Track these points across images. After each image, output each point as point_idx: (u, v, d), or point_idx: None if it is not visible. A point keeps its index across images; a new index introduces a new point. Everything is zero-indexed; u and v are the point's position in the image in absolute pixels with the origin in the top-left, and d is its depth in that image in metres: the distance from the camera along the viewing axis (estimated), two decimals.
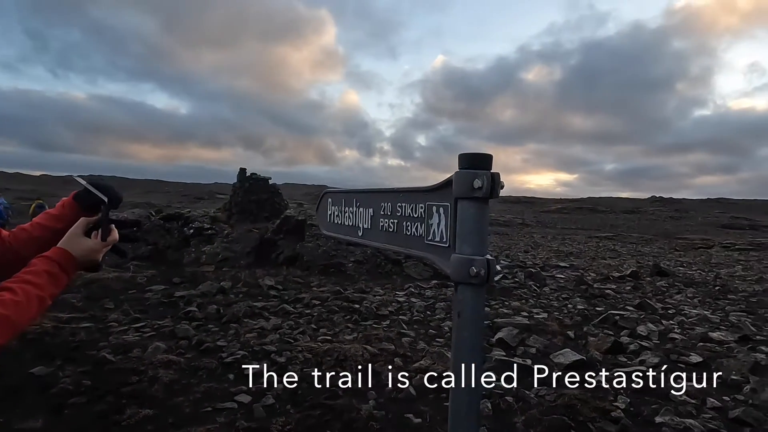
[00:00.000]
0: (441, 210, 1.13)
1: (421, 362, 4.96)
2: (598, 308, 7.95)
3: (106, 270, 9.38)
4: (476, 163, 1.01)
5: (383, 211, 1.40)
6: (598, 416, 3.87)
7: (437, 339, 5.95)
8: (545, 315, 7.22)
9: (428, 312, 7.35)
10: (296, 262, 10.88)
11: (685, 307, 8.40)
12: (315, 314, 6.87)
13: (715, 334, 6.32)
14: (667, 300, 9.09)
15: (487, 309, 7.48)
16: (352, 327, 6.32)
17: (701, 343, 6.01)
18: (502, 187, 1.00)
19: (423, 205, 1.21)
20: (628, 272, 12.06)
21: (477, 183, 0.99)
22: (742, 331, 6.63)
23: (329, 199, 1.84)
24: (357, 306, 7.38)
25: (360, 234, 1.56)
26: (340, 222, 1.72)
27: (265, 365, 4.81)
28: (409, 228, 1.27)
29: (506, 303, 8.01)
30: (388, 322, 6.66)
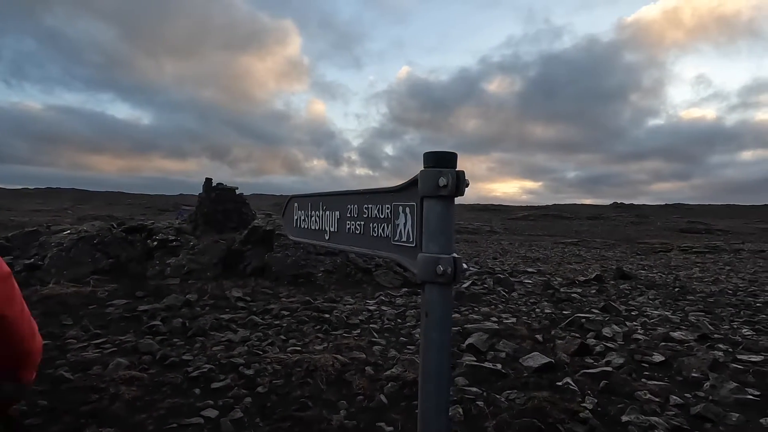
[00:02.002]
0: (407, 210, 1.12)
1: (393, 370, 4.93)
2: (564, 312, 8.10)
3: (64, 285, 9.01)
4: (441, 161, 1.01)
5: (350, 213, 1.39)
6: (566, 417, 3.92)
7: (408, 346, 5.93)
8: (514, 320, 7.31)
9: (399, 320, 7.33)
10: (264, 273, 10.70)
11: (648, 308, 8.66)
12: (284, 325, 6.76)
13: (676, 334, 6.53)
14: (630, 302, 9.34)
15: (457, 315, 7.52)
16: (323, 337, 6.24)
17: (663, 343, 6.19)
18: (467, 185, 1.00)
19: (389, 206, 1.20)
20: (593, 276, 12.36)
21: (442, 181, 0.99)
22: (701, 330, 6.87)
23: (295, 204, 1.81)
24: (327, 316, 7.30)
25: (327, 237, 1.54)
26: (306, 226, 1.69)
27: (231, 379, 4.70)
28: (375, 229, 1.26)
29: (476, 309, 8.08)
30: (358, 330, 6.61)
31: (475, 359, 5.39)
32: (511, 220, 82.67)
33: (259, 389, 4.45)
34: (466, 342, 5.90)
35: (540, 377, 4.84)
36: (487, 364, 5.16)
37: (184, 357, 5.28)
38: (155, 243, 11.08)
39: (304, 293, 9.32)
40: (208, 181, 12.27)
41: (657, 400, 4.34)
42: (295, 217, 1.80)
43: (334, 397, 4.31)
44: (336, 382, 4.64)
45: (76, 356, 5.19)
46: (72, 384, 4.39)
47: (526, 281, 11.78)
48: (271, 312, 7.59)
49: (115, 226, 11.68)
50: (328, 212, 1.52)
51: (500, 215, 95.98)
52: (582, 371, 5.01)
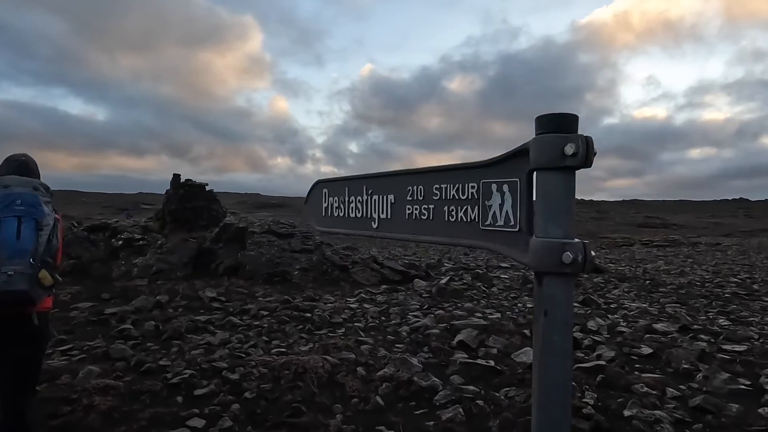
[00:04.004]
0: (505, 187, 0.94)
1: (385, 370, 4.75)
2: None
3: None
4: (563, 125, 0.83)
5: (411, 196, 1.19)
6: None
7: (397, 345, 5.76)
8: (499, 315, 7.24)
9: (383, 318, 7.15)
10: (238, 272, 10.32)
11: (625, 301, 8.78)
12: (265, 326, 6.47)
13: (658, 326, 6.60)
14: (606, 295, 9.47)
15: (441, 311, 7.41)
16: (307, 337, 6.00)
17: (647, 335, 6.23)
18: (595, 154, 0.82)
19: (475, 185, 1.01)
20: None
21: (570, 149, 0.80)
22: (680, 322, 6.98)
23: (324, 190, 1.60)
24: (308, 315, 7.05)
25: (375, 226, 1.33)
26: (342, 215, 1.48)
27: (215, 384, 4.41)
28: (453, 213, 1.07)
29: (459, 305, 7.98)
30: (343, 330, 6.39)
31: (467, 356, 5.26)
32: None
33: (247, 395, 4.19)
34: (456, 339, 5.77)
35: None
36: (480, 361, 5.05)
37: (162, 362, 4.93)
38: (120, 242, 10.52)
39: (281, 292, 9.01)
40: (176, 177, 11.74)
41: (654, 392, 4.32)
42: (325, 206, 1.58)
43: (327, 401, 4.09)
44: (328, 384, 4.42)
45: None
46: (39, 395, 3.99)
47: (503, 276, 11.80)
48: (249, 312, 7.28)
49: (76, 224, 11.02)
50: (376, 197, 1.32)
51: None
52: (576, 365, 4.95)
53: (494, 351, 5.48)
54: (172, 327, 6.21)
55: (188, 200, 11.50)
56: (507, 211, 0.93)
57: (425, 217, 1.15)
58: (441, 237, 1.10)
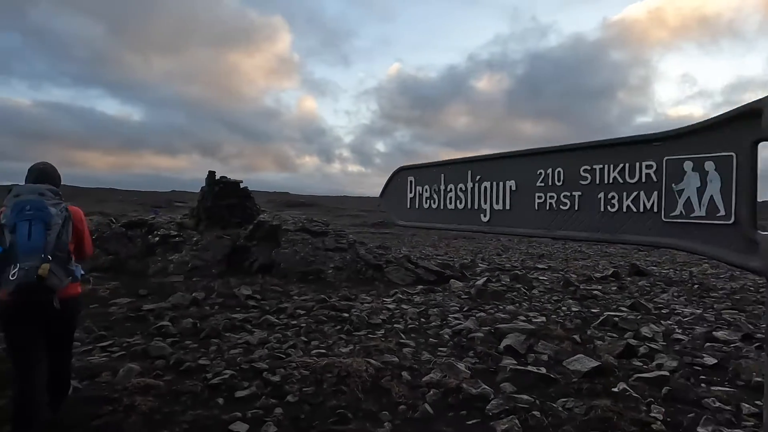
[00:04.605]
0: (709, 166, 0.69)
1: (431, 375, 4.52)
2: (593, 310, 7.72)
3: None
4: None
5: (544, 181, 0.95)
6: (638, 430, 3.53)
7: (440, 348, 5.52)
8: (543, 319, 6.92)
9: (422, 319, 6.91)
10: (272, 270, 10.25)
11: (676, 306, 8.31)
12: (303, 325, 6.32)
13: (719, 334, 6.17)
14: (655, 300, 8.99)
15: (482, 314, 7.13)
16: (346, 338, 5.81)
17: (708, 344, 5.82)
18: None
19: (653, 164, 0.77)
20: (610, 272, 12.01)
21: None
22: (742, 330, 6.52)
23: (410, 178, 1.37)
24: (346, 315, 6.87)
25: (485, 219, 1.10)
26: (435, 206, 1.26)
27: (257, 386, 4.26)
28: (614, 202, 0.83)
29: (500, 307, 7.68)
30: (382, 331, 6.19)
31: (516, 362, 4.98)
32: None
33: (289, 398, 4.02)
34: (503, 343, 5.50)
35: (592, 382, 4.43)
36: (531, 368, 4.76)
37: (201, 362, 4.82)
38: (156, 239, 10.57)
39: (316, 291, 8.88)
40: (211, 174, 11.75)
41: (728, 408, 3.96)
42: (410, 196, 1.36)
43: (374, 407, 3.89)
44: (372, 389, 4.21)
45: (81, 361, 4.71)
46: (80, 394, 3.92)
47: (541, 278, 11.40)
48: (285, 311, 7.15)
49: (114, 221, 11.15)
50: (486, 183, 1.09)
51: None
52: (635, 375, 4.62)
53: (544, 357, 5.18)
54: (210, 325, 6.13)
55: (223, 197, 11.51)
56: (712, 198, 0.69)
57: (566, 207, 0.91)
58: (594, 232, 0.86)
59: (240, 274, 10.06)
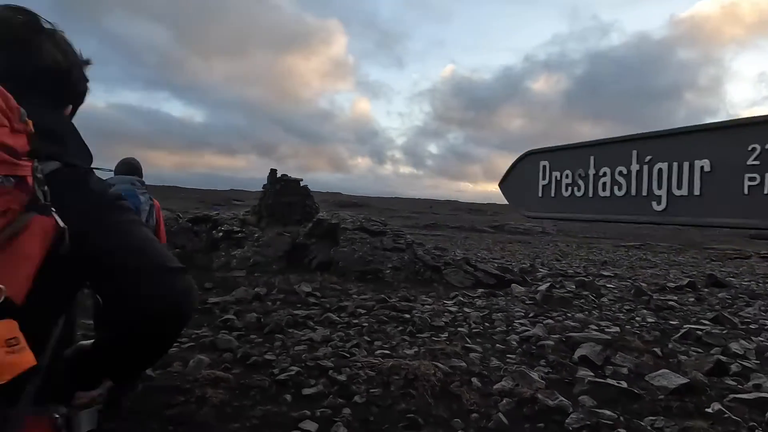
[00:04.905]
0: None
1: (503, 383, 4.29)
2: (671, 322, 7.20)
3: None
4: None
5: (760, 158, 0.76)
6: None
7: (509, 355, 5.27)
8: (617, 329, 6.49)
9: (486, 323, 6.67)
10: (330, 268, 10.27)
11: (766, 321, 7.61)
12: (365, 325, 6.23)
13: None
14: (740, 313, 8.28)
15: (549, 321, 6.79)
16: (409, 340, 5.67)
17: None
18: None
19: None
20: (685, 283, 11.24)
21: None
22: None
23: (543, 163, 1.20)
24: (407, 316, 6.73)
25: (659, 207, 0.92)
26: (581, 193, 1.08)
27: (323, 384, 4.19)
28: None
29: (568, 315, 7.30)
30: (446, 334, 6.00)
31: (593, 374, 4.67)
32: (563, 221, 79.73)
33: (357, 399, 3.92)
34: (577, 353, 5.18)
35: (682, 401, 4.07)
36: (610, 381, 4.44)
37: (267, 356, 4.82)
38: (220, 234, 10.87)
39: (375, 290, 8.80)
40: (273, 172, 11.98)
41: None
42: (543, 183, 1.19)
43: (445, 413, 3.72)
44: (442, 394, 4.04)
45: None
46: (154, 383, 3.99)
47: (609, 285, 10.82)
48: (346, 309, 7.10)
49: (181, 215, 11.56)
50: (662, 165, 0.91)
51: None
52: (730, 396, 4.20)
53: (624, 370, 4.82)
54: (273, 320, 6.15)
55: (284, 195, 11.68)
56: None
57: None
58: None
59: (299, 271, 10.15)
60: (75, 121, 1.10)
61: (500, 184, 1.39)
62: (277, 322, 6.04)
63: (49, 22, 1.00)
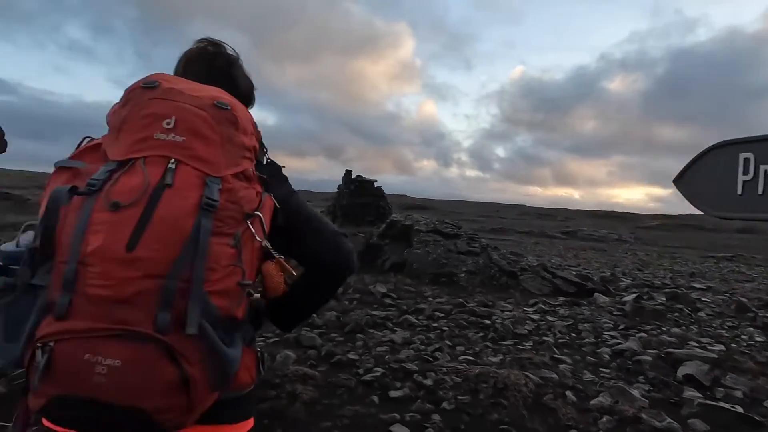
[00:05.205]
0: None
1: (600, 399, 4.02)
2: None
3: None
4: None
5: None
6: None
7: (602, 369, 4.95)
8: (722, 347, 5.94)
9: (573, 334, 6.32)
10: (404, 270, 10.22)
11: None
12: (445, 329, 6.11)
13: None
14: None
15: (643, 334, 6.33)
16: (493, 347, 5.48)
17: None
18: None
19: None
20: None
21: None
22: None
23: (744, 156, 1.03)
24: (487, 322, 6.53)
25: None
26: None
27: (409, 388, 4.12)
28: None
29: (663, 329, 6.78)
30: (530, 343, 5.75)
31: (701, 395, 4.26)
32: (641, 229, 75.22)
33: (445, 405, 3.81)
34: (681, 372, 4.77)
35: None
36: (723, 404, 4.03)
37: (350, 356, 4.82)
38: None
39: (450, 294, 8.65)
40: (348, 173, 12.13)
41: None
42: (745, 179, 1.03)
43: (540, 427, 3.52)
44: (535, 406, 3.84)
45: None
46: None
47: (704, 299, 9.98)
48: (423, 312, 7.01)
49: None
50: None
51: (627, 223, 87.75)
52: None
53: (737, 394, 4.37)
54: (352, 320, 6.17)
55: (358, 196, 11.79)
56: None
57: None
58: None
59: (373, 272, 10.18)
60: None
61: (676, 182, 1.23)
62: (356, 322, 6.05)
63: (233, 50, 1.34)
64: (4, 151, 1.35)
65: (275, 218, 1.09)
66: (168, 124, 0.99)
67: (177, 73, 1.29)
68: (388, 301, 7.73)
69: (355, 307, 7.13)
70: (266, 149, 1.20)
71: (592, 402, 3.97)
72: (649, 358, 5.21)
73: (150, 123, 0.99)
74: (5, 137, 1.41)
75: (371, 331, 5.86)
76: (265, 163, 1.17)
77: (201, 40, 1.31)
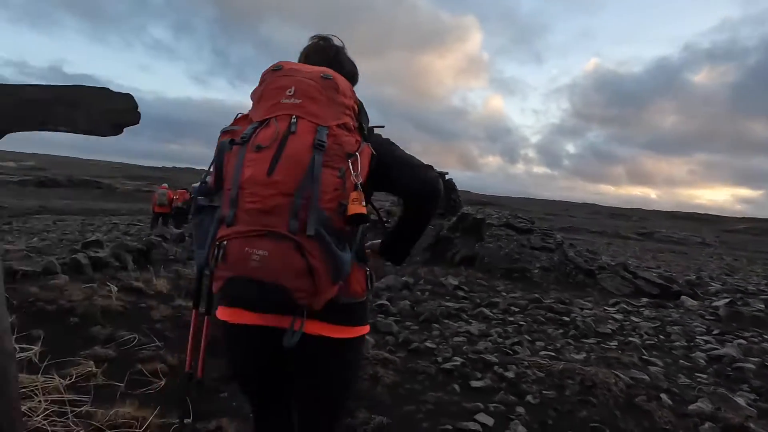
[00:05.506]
0: None
1: (699, 405, 3.73)
2: None
3: None
4: None
5: None
6: None
7: (698, 374, 4.61)
8: None
9: (661, 336, 5.94)
10: (474, 263, 10.06)
11: None
12: (522, 324, 5.94)
13: None
14: None
15: (741, 341, 5.83)
16: (575, 344, 5.26)
17: None
18: None
19: None
20: None
21: None
22: None
23: None
24: (566, 319, 6.28)
25: None
26: None
27: (491, 379, 4.03)
28: None
29: (765, 336, 6.22)
30: (615, 342, 5.46)
31: None
32: (727, 232, 69.60)
33: (529, 399, 3.69)
34: None
35: None
36: None
37: (427, 344, 4.80)
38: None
39: (523, 289, 8.41)
40: None
41: None
42: None
43: (636, 429, 3.33)
44: (627, 407, 3.63)
45: None
46: None
47: None
48: (497, 306, 6.86)
49: None
50: None
51: (710, 226, 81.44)
52: None
53: None
54: (426, 309, 6.14)
55: None
56: None
57: None
58: None
59: (443, 264, 10.11)
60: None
61: None
62: (431, 312, 6.02)
63: (339, 40, 1.68)
64: (137, 122, 1.52)
65: (372, 163, 1.38)
66: (290, 92, 1.37)
67: (300, 62, 1.65)
68: (460, 293, 7.63)
69: (427, 298, 7.11)
70: (368, 118, 1.51)
71: (690, 407, 3.70)
72: (752, 366, 4.79)
73: (278, 93, 1.38)
74: (138, 109, 1.58)
75: (446, 321, 5.81)
76: (366, 127, 1.47)
77: (314, 37, 1.67)
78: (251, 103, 1.46)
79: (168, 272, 6.41)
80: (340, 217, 1.27)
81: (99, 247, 7.30)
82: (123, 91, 1.63)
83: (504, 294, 7.89)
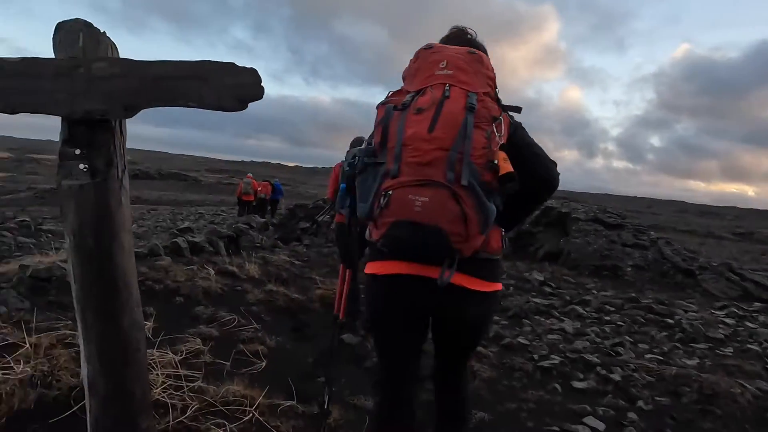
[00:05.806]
0: None
1: None
2: None
3: None
4: None
5: None
6: None
7: None
8: None
9: None
10: (559, 259, 9.59)
11: None
12: (621, 324, 5.54)
13: None
14: None
15: None
16: (683, 348, 4.82)
17: None
18: None
19: None
20: None
21: None
22: None
23: None
24: (670, 321, 5.79)
25: None
26: None
27: (594, 380, 3.76)
28: None
29: None
30: (730, 349, 4.94)
31: None
32: None
33: (641, 404, 3.40)
34: None
35: None
36: None
37: (520, 340, 4.59)
38: None
39: (615, 288, 7.90)
40: None
41: None
42: None
43: None
44: (759, 421, 3.25)
45: None
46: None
47: None
48: (589, 304, 6.46)
49: None
50: None
51: None
52: None
53: None
54: (514, 304, 5.90)
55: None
56: None
57: None
58: None
59: (525, 259, 9.73)
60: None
61: None
62: (520, 307, 5.77)
63: (473, 30, 1.83)
64: (261, 97, 1.52)
65: (511, 129, 1.56)
66: (442, 65, 1.57)
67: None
68: (547, 289, 7.28)
69: (513, 293, 6.84)
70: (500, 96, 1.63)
71: None
72: None
73: (432, 66, 1.59)
74: (262, 83, 1.57)
75: (536, 317, 5.54)
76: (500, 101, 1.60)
77: (453, 28, 1.85)
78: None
79: (257, 259, 6.61)
80: (488, 172, 1.41)
81: (191, 234, 7.69)
82: None
83: (594, 292, 7.43)
